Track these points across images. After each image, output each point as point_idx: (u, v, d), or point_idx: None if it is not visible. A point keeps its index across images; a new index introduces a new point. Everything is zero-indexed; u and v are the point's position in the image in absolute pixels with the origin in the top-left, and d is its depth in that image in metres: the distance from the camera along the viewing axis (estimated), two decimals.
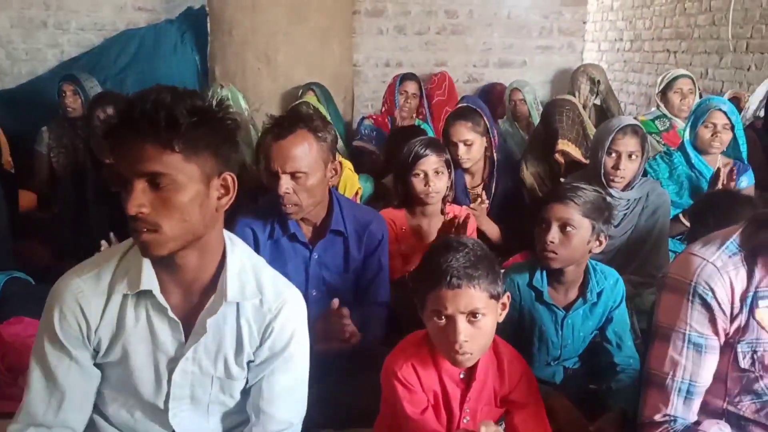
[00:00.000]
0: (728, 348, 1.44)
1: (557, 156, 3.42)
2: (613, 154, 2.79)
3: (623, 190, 2.86)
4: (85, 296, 1.42)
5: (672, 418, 1.48)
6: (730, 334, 1.42)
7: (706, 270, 1.40)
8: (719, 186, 3.04)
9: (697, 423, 1.50)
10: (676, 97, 4.12)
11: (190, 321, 1.45)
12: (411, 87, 4.74)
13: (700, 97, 4.17)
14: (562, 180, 3.26)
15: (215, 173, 1.38)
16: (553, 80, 6.79)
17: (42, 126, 4.45)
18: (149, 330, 1.45)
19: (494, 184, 3.33)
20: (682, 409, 1.47)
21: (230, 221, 2.17)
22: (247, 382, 1.54)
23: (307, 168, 2.14)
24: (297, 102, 4.12)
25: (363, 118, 4.94)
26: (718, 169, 3.12)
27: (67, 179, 3.25)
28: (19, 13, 6.07)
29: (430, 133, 4.29)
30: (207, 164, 1.35)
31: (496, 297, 1.64)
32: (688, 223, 2.98)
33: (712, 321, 1.41)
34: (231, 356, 1.49)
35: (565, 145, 3.39)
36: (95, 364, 1.48)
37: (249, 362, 1.52)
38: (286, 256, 2.23)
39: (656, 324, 1.50)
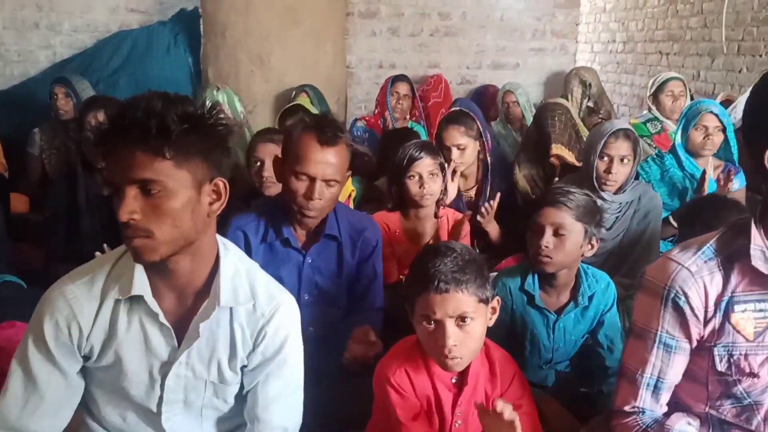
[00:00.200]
0: (706, 351, 1.46)
1: (552, 159, 3.43)
2: (606, 158, 2.80)
3: (615, 193, 2.87)
4: (78, 302, 1.42)
5: (640, 410, 1.54)
6: (705, 337, 1.45)
7: (681, 275, 1.42)
8: (703, 189, 3.06)
9: (667, 416, 1.53)
10: (667, 99, 4.15)
11: (183, 326, 1.45)
12: (402, 88, 4.75)
13: (692, 99, 4.19)
14: (556, 180, 3.27)
15: (206, 179, 1.38)
16: (546, 82, 6.81)
17: (34, 128, 4.43)
18: (142, 335, 1.45)
19: (488, 187, 3.34)
20: (650, 402, 1.53)
21: (223, 225, 2.16)
22: (242, 388, 1.54)
23: (340, 177, 2.17)
24: (290, 104, 4.12)
25: (356, 120, 4.94)
26: (704, 172, 3.14)
27: (59, 182, 3.24)
28: (11, 14, 6.04)
29: (423, 135, 4.30)
30: (198, 170, 1.35)
31: (485, 301, 1.64)
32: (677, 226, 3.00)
33: (684, 324, 1.44)
34: (224, 361, 1.49)
35: (558, 149, 3.40)
36: (87, 369, 1.47)
37: (243, 367, 1.52)
38: (280, 260, 2.23)
39: (632, 322, 1.55)
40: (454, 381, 1.72)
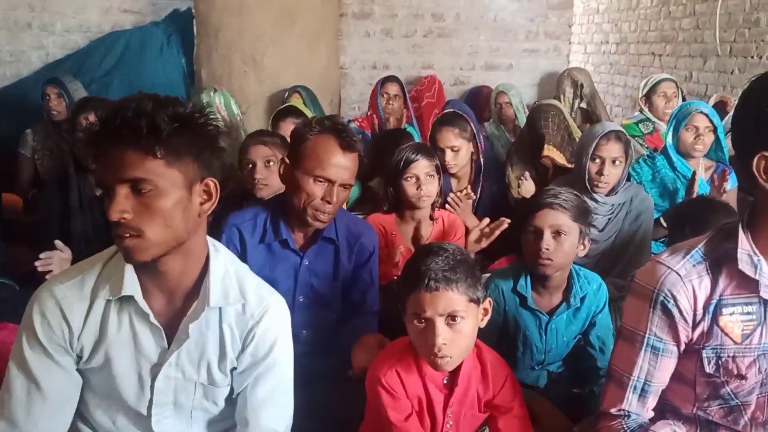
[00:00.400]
0: (695, 353, 1.47)
1: (545, 161, 3.44)
2: (597, 160, 2.81)
3: (607, 194, 2.88)
4: (68, 302, 1.42)
5: (626, 413, 1.54)
6: (694, 339, 1.46)
7: (670, 278, 1.43)
8: (693, 190, 3.07)
9: (652, 422, 1.54)
10: (660, 100, 4.17)
11: (173, 326, 1.46)
12: (392, 89, 4.73)
13: (684, 100, 4.21)
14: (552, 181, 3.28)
15: (197, 179, 1.39)
16: (539, 83, 6.82)
17: (26, 129, 4.42)
18: (132, 336, 1.45)
19: (480, 188, 3.35)
20: (636, 405, 1.53)
21: (215, 226, 2.16)
22: (232, 391, 1.54)
23: (353, 181, 2.19)
24: (283, 105, 4.12)
25: (349, 121, 4.94)
26: (694, 173, 3.15)
27: (52, 184, 3.23)
28: (3, 14, 6.02)
29: (416, 137, 4.30)
30: (189, 170, 1.36)
31: (475, 301, 1.65)
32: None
33: (673, 327, 1.45)
34: (214, 362, 1.49)
35: (550, 150, 3.41)
36: (78, 370, 1.47)
37: (233, 369, 1.52)
38: (276, 261, 2.22)
39: (622, 325, 1.56)
40: (445, 382, 1.73)
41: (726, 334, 1.43)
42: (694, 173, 3.16)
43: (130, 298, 1.41)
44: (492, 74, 6.62)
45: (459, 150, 3.23)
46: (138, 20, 6.16)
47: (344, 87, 6.23)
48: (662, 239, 3.13)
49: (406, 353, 1.72)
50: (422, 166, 2.72)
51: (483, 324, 1.71)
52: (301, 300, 2.25)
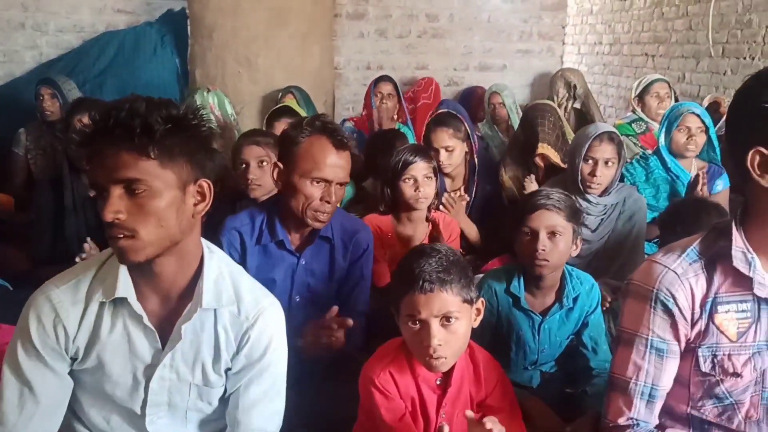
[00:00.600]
0: (690, 353, 1.47)
1: (537, 159, 3.44)
2: (590, 161, 2.82)
3: (600, 195, 2.89)
4: (64, 306, 1.42)
5: (635, 422, 1.51)
6: (691, 338, 1.46)
7: (668, 277, 1.44)
8: (698, 190, 3.08)
9: (661, 429, 1.53)
10: (653, 100, 4.20)
11: (167, 328, 1.46)
12: (385, 88, 4.72)
13: (677, 100, 4.23)
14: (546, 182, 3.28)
15: (191, 180, 1.39)
16: (532, 84, 6.83)
17: (20, 128, 4.41)
18: (126, 337, 1.45)
19: (474, 188, 3.35)
20: (644, 413, 1.51)
21: (209, 228, 2.16)
22: (225, 391, 1.55)
23: (348, 179, 2.20)
24: (277, 105, 4.12)
25: (344, 121, 4.95)
26: (697, 175, 3.16)
27: (45, 184, 3.22)
28: None
29: (411, 137, 4.30)
30: (183, 171, 1.36)
31: (469, 301, 1.66)
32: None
33: (674, 327, 1.45)
34: (209, 363, 1.49)
35: (544, 148, 3.41)
36: (71, 371, 1.47)
37: (227, 370, 1.52)
38: (273, 262, 2.22)
39: (620, 329, 1.54)
40: (438, 382, 1.73)
41: (721, 332, 1.43)
42: (697, 176, 3.16)
43: (123, 300, 1.41)
44: (486, 75, 6.63)
45: (453, 150, 3.24)
46: (132, 20, 6.15)
47: (338, 87, 6.23)
48: (655, 240, 3.14)
49: (399, 354, 1.73)
50: (420, 168, 2.72)
51: (476, 324, 1.72)
52: (298, 300, 2.26)
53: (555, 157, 3.39)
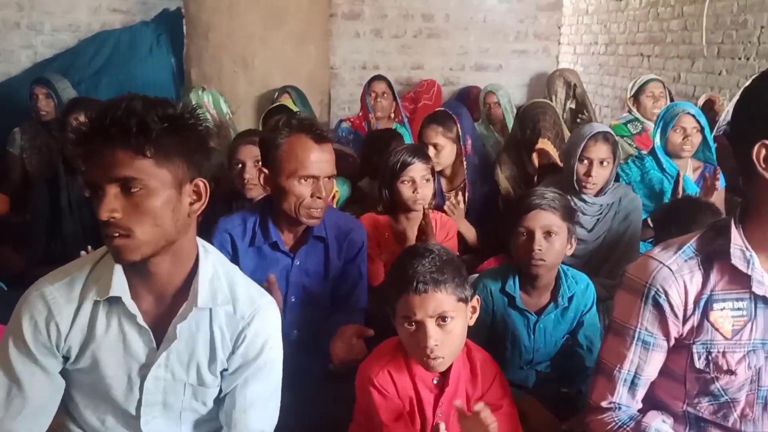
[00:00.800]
0: (685, 348, 1.48)
1: (534, 156, 3.44)
2: (585, 161, 2.82)
3: (596, 195, 2.89)
4: (57, 303, 1.42)
5: (616, 406, 1.56)
6: (684, 335, 1.47)
7: (662, 273, 1.45)
8: (678, 191, 3.10)
9: (642, 413, 1.56)
10: (648, 100, 4.21)
11: (162, 328, 1.45)
12: (379, 87, 4.71)
13: (672, 100, 4.24)
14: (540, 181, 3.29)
15: (187, 179, 1.39)
16: (528, 84, 6.84)
17: (15, 127, 4.40)
18: (120, 337, 1.44)
19: (468, 190, 3.36)
20: (626, 398, 1.55)
21: (205, 227, 2.16)
22: (220, 391, 1.54)
23: (335, 170, 2.20)
24: (273, 105, 4.12)
25: (341, 121, 4.95)
26: (678, 174, 3.18)
27: (41, 184, 3.22)
28: None
29: (407, 137, 4.31)
30: (179, 170, 1.36)
31: (464, 300, 1.66)
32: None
33: (663, 322, 1.46)
34: (204, 363, 1.49)
35: (544, 143, 3.42)
36: (66, 371, 1.47)
37: (223, 371, 1.52)
38: (268, 263, 2.22)
39: (612, 318, 1.57)
40: (435, 382, 1.73)
41: (716, 330, 1.44)
42: (678, 174, 3.18)
43: (118, 299, 1.41)
44: (482, 75, 6.63)
45: (442, 149, 3.27)
46: (127, 20, 6.14)
47: (334, 87, 6.23)
48: (650, 240, 3.15)
49: (396, 354, 1.73)
50: (418, 169, 2.72)
51: (472, 322, 1.72)
52: (293, 300, 2.25)
53: (554, 153, 3.39)
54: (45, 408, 1.46)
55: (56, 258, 2.61)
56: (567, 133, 3.69)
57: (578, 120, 4.67)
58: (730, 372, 1.45)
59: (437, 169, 3.24)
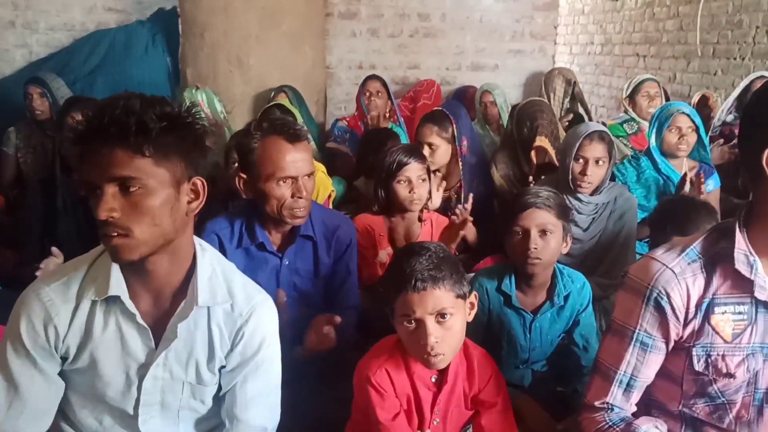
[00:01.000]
0: (684, 351, 1.48)
1: (532, 154, 3.44)
2: (581, 160, 2.82)
3: (591, 194, 2.90)
4: (54, 304, 1.41)
5: (610, 406, 1.55)
6: (684, 337, 1.47)
7: (665, 275, 1.44)
8: (686, 191, 3.09)
9: (635, 417, 1.55)
10: (644, 100, 4.23)
11: (160, 326, 1.45)
12: (373, 86, 4.69)
13: (667, 100, 4.25)
14: (533, 179, 3.29)
15: (185, 178, 1.39)
16: (525, 83, 6.85)
17: (9, 126, 4.39)
18: (119, 336, 1.44)
19: (463, 189, 3.36)
20: (620, 399, 1.54)
21: (200, 228, 2.16)
22: (220, 389, 1.54)
23: (313, 168, 2.19)
24: (269, 104, 4.11)
25: (337, 120, 4.94)
26: (685, 174, 3.18)
27: (36, 184, 3.20)
28: None
29: (403, 137, 4.31)
30: (177, 169, 1.36)
31: (462, 297, 1.67)
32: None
33: (664, 325, 1.46)
34: (203, 362, 1.49)
35: (542, 140, 3.42)
36: (63, 371, 1.47)
37: (221, 368, 1.52)
38: (257, 264, 2.22)
39: (612, 318, 1.56)
40: (433, 380, 1.73)
41: (717, 333, 1.44)
42: (684, 175, 3.18)
43: (116, 299, 1.41)
44: (478, 74, 6.64)
45: (437, 148, 3.27)
46: (122, 19, 6.13)
47: (330, 87, 6.23)
48: (646, 239, 3.16)
49: (394, 352, 1.73)
50: (414, 169, 2.72)
51: (470, 318, 1.72)
52: (285, 300, 2.25)
53: (551, 150, 3.40)
54: (45, 410, 1.46)
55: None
56: (562, 132, 3.70)
57: (574, 115, 4.67)
58: (729, 375, 1.46)
59: (432, 168, 3.24)
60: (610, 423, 1.53)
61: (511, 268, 2.22)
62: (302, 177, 2.13)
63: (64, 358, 1.45)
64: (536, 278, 2.18)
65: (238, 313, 1.49)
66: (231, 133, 3.96)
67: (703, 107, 4.23)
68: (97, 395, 1.47)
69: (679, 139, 3.26)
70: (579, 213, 2.88)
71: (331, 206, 3.46)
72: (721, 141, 3.82)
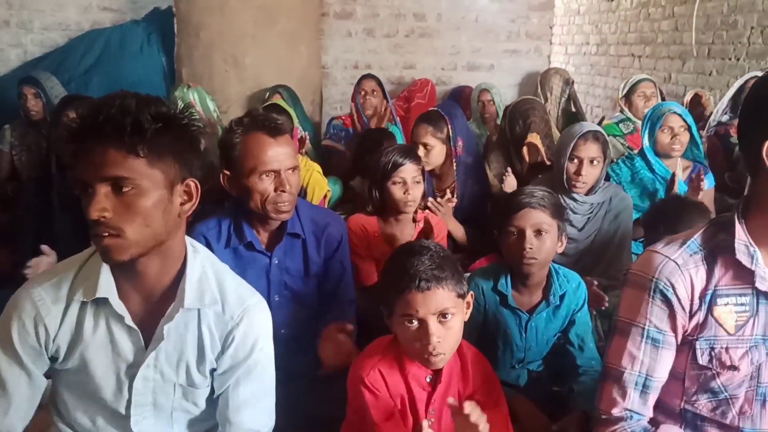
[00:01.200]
0: (687, 346, 1.48)
1: (523, 151, 3.45)
2: (575, 160, 2.83)
3: (586, 194, 2.90)
4: (45, 304, 1.41)
5: (629, 414, 1.51)
6: (689, 330, 1.46)
7: (668, 267, 1.44)
8: (674, 191, 3.11)
9: (655, 425, 1.53)
10: (640, 100, 4.24)
11: (150, 328, 1.44)
12: (368, 85, 4.69)
13: (663, 100, 4.26)
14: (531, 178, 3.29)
15: (179, 179, 1.38)
16: (520, 83, 6.86)
17: (4, 125, 4.38)
18: (109, 337, 1.43)
19: (457, 189, 3.36)
20: (638, 403, 1.50)
21: (190, 229, 2.15)
22: (213, 392, 1.54)
23: (297, 162, 2.18)
24: (265, 104, 4.10)
25: (332, 119, 4.94)
26: (674, 174, 3.19)
27: (31, 182, 3.20)
28: None
29: (399, 137, 4.31)
30: (171, 170, 1.35)
31: (462, 296, 1.67)
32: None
33: (672, 317, 1.45)
34: (193, 364, 1.48)
35: (533, 137, 3.43)
36: (55, 371, 1.47)
37: (212, 371, 1.51)
38: (246, 264, 2.21)
39: (617, 319, 1.53)
40: (428, 380, 1.73)
41: (720, 325, 1.44)
42: (673, 174, 3.19)
43: (105, 300, 1.40)
44: (474, 74, 6.65)
45: (432, 149, 3.28)
46: (118, 18, 6.11)
47: (326, 86, 6.23)
48: (641, 239, 3.16)
49: (388, 352, 1.73)
50: (409, 170, 2.71)
51: (467, 317, 1.72)
52: (277, 299, 2.24)
53: (542, 148, 3.40)
54: (28, 410, 1.46)
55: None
56: (555, 131, 3.70)
57: (568, 114, 4.68)
58: (733, 367, 1.45)
59: (426, 168, 3.24)
60: None
61: (506, 268, 2.22)
62: (285, 171, 2.12)
63: (53, 358, 1.45)
64: (532, 278, 2.18)
65: (229, 315, 1.48)
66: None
67: (696, 105, 4.25)
68: (90, 395, 1.47)
69: (671, 139, 3.27)
70: (574, 213, 2.89)
71: (327, 206, 3.46)
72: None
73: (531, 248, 2.11)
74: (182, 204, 1.40)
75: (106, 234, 1.30)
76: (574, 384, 2.15)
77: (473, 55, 6.76)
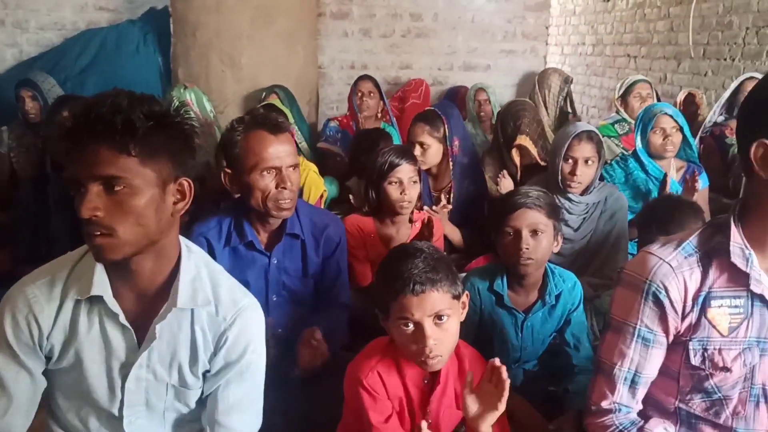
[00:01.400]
0: (681, 345, 1.48)
1: (513, 154, 3.45)
2: (570, 160, 2.83)
3: (582, 194, 2.91)
4: (38, 302, 1.40)
5: (617, 407, 1.54)
6: (681, 331, 1.47)
7: (662, 269, 1.45)
8: (667, 190, 3.11)
9: (645, 420, 1.55)
10: (636, 101, 4.25)
11: (143, 327, 1.44)
12: (365, 86, 4.69)
13: (659, 101, 4.26)
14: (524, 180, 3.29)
15: (171, 178, 1.37)
16: (517, 84, 6.86)
17: (2, 126, 4.37)
18: (102, 336, 1.43)
19: (454, 189, 3.36)
20: (626, 397, 1.54)
21: (188, 230, 2.15)
22: (203, 393, 1.53)
23: (297, 160, 2.19)
24: (261, 104, 4.10)
25: (328, 120, 4.93)
26: (665, 175, 3.20)
27: (28, 182, 3.19)
28: None
29: (396, 137, 4.31)
30: (163, 169, 1.34)
31: (457, 297, 1.67)
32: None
33: (663, 318, 1.46)
34: (186, 364, 1.48)
35: (523, 140, 3.43)
36: (49, 372, 1.46)
37: (205, 372, 1.50)
38: (245, 263, 2.21)
39: (610, 316, 1.56)
40: (425, 381, 1.73)
41: (713, 327, 1.45)
42: (665, 176, 3.20)
43: (99, 298, 1.40)
44: (470, 74, 6.64)
45: (428, 148, 3.28)
46: (114, 18, 6.10)
47: (322, 86, 6.23)
48: (635, 240, 3.16)
49: (386, 354, 1.72)
50: (406, 171, 2.71)
51: (463, 317, 1.72)
52: (275, 299, 2.25)
53: (532, 149, 3.40)
54: (29, 408, 1.45)
55: (43, 256, 2.58)
56: (548, 131, 3.70)
57: (563, 114, 4.69)
58: (726, 369, 1.46)
59: (423, 168, 3.24)
60: (620, 427, 1.52)
61: (502, 268, 2.22)
62: (286, 168, 2.13)
63: (48, 357, 1.44)
64: (528, 278, 2.18)
65: (222, 316, 1.48)
66: (221, 132, 3.94)
67: (690, 105, 4.26)
68: (82, 396, 1.46)
69: (664, 140, 3.27)
70: (570, 213, 2.89)
71: (323, 206, 3.46)
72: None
73: (527, 248, 2.11)
74: (175, 203, 1.40)
75: (99, 233, 1.29)
76: (569, 383, 2.15)
77: (469, 55, 6.76)
